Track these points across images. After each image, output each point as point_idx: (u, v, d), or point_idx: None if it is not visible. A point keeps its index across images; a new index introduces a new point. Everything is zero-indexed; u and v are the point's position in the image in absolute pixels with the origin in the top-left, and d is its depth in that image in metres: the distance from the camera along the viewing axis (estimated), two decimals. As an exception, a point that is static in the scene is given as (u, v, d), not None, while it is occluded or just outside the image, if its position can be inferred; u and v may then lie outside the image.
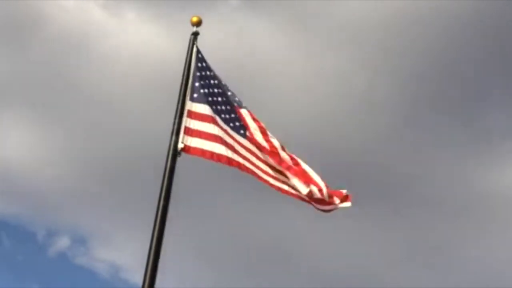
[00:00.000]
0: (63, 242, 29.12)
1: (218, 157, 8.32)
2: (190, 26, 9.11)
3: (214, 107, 8.67)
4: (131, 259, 27.14)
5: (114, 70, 26.47)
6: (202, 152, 8.28)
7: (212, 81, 8.87)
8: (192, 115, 8.45)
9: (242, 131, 8.79)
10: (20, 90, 27.19)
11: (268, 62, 25.47)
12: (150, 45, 25.51)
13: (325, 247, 26.20)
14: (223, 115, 8.73)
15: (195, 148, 8.25)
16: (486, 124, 29.29)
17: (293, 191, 8.67)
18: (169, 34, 24.24)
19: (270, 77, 24.39)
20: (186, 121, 8.36)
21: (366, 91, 27.08)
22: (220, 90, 8.90)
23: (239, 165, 8.45)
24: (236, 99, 9.04)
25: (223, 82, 9.05)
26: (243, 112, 8.96)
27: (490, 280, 25.94)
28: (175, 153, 8.05)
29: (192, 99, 8.57)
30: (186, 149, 8.18)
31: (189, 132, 8.32)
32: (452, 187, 28.39)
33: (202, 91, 8.67)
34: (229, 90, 9.05)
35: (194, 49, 8.91)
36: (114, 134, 26.41)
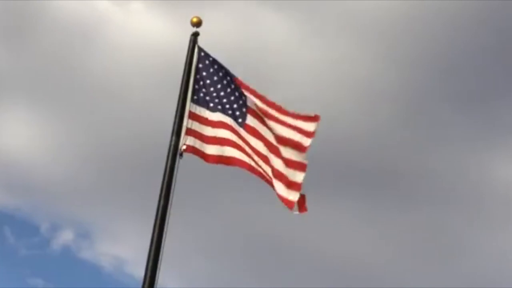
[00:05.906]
0: (67, 236, 29.17)
1: (218, 159, 8.55)
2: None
3: (216, 101, 8.78)
4: (135, 253, 27.19)
5: (118, 61, 26.46)
6: (203, 155, 8.50)
7: (215, 78, 8.89)
8: (194, 117, 8.64)
9: (240, 120, 8.75)
10: (24, 82, 27.21)
11: (274, 51, 25.39)
12: (156, 37, 25.45)
13: (331, 243, 26.18)
14: (226, 109, 8.77)
15: (198, 150, 8.49)
16: (501, 117, 28.96)
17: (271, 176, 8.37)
18: (175, 25, 24.18)
19: (275, 67, 24.33)
20: (188, 122, 8.55)
21: (376, 82, 26.98)
22: (223, 84, 8.88)
23: (242, 164, 8.57)
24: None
25: (230, 74, 8.98)
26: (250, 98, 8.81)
27: (502, 277, 25.93)
28: (175, 153, 8.14)
29: (193, 101, 8.73)
30: (189, 149, 8.39)
31: (190, 133, 8.52)
32: (464, 180, 28.20)
33: (201, 94, 8.81)
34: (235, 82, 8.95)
35: (196, 50, 8.92)
36: (119, 127, 26.40)
